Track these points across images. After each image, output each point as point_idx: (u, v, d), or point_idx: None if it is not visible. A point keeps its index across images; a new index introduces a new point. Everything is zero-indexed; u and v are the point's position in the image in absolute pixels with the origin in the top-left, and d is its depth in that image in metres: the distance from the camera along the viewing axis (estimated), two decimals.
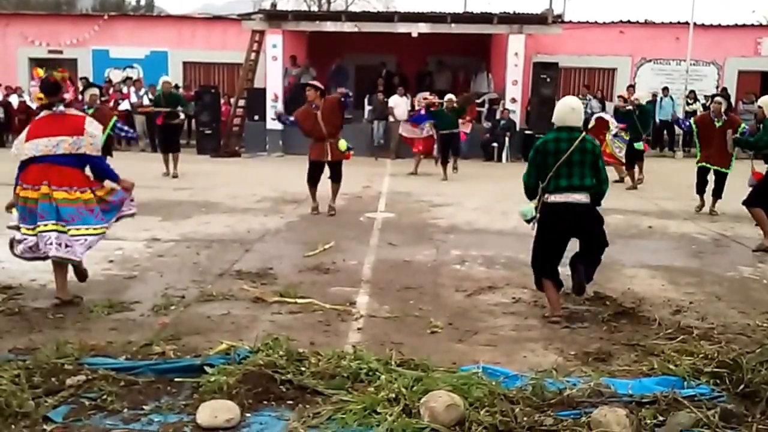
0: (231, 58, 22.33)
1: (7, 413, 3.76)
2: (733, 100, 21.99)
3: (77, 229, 5.83)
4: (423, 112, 16.22)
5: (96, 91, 11.73)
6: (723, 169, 10.94)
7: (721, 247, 9.05)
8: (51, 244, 5.71)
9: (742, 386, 4.22)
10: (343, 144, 10.52)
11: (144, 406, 3.97)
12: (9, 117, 21.27)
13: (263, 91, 20.54)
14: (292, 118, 10.86)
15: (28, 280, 6.69)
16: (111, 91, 21.29)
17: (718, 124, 10.87)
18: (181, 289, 6.51)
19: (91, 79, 22.22)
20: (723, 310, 6.23)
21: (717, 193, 11.14)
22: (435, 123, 15.77)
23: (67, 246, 5.78)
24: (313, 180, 10.72)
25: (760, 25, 23.41)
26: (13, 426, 3.70)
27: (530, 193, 5.98)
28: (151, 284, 6.68)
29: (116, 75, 22.62)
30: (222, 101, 21.40)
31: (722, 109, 10.92)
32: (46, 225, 5.73)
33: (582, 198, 5.82)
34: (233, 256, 7.91)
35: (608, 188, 6.06)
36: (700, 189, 11.40)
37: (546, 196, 5.86)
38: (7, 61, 23.13)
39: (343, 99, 10.50)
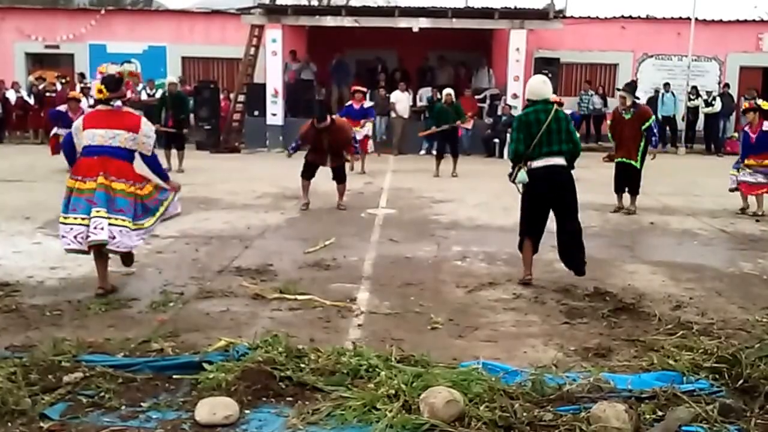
0: (230, 53, 22.27)
1: (3, 411, 3.74)
2: (735, 96, 22.03)
3: (123, 221, 5.99)
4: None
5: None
6: (633, 162, 10.71)
7: (721, 243, 9.02)
8: (102, 229, 5.87)
9: (741, 381, 4.21)
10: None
11: (142, 404, 3.96)
12: (6, 113, 21.21)
13: (263, 86, 20.49)
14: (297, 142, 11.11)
15: (26, 277, 6.68)
16: None
17: (627, 117, 10.74)
18: (180, 286, 6.50)
19: (87, 75, 22.27)
20: (723, 306, 6.22)
21: (633, 190, 10.90)
22: (435, 118, 15.76)
23: (113, 237, 5.94)
24: (306, 175, 10.82)
25: (762, 21, 23.40)
26: (9, 424, 3.68)
27: (519, 158, 6.68)
28: (150, 281, 6.67)
29: (114, 70, 22.56)
30: (221, 96, 21.38)
31: (627, 102, 10.69)
32: (98, 212, 5.89)
33: (560, 161, 6.61)
34: (233, 252, 7.89)
35: (581, 149, 6.85)
36: (619, 187, 10.99)
37: (529, 163, 6.62)
38: (4, 57, 23.06)
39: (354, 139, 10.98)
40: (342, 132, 10.75)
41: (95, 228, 5.87)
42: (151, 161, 6.37)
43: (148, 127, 6.25)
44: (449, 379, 4.04)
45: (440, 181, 14.32)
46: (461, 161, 15.83)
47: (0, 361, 4.34)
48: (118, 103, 6.26)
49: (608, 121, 11.47)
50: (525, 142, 6.60)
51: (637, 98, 11.27)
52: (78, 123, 6.25)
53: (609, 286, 6.67)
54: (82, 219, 5.93)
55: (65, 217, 6.03)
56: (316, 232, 9.02)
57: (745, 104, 9.55)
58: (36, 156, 14.99)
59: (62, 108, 15.01)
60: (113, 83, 6.33)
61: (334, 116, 11.06)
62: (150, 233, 6.47)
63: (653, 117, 11.02)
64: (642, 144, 10.65)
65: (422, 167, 16.02)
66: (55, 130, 14.82)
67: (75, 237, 5.97)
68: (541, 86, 6.78)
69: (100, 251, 6.07)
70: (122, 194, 6.00)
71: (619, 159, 10.90)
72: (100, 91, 6.27)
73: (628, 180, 10.83)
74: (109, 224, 5.91)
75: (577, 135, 6.82)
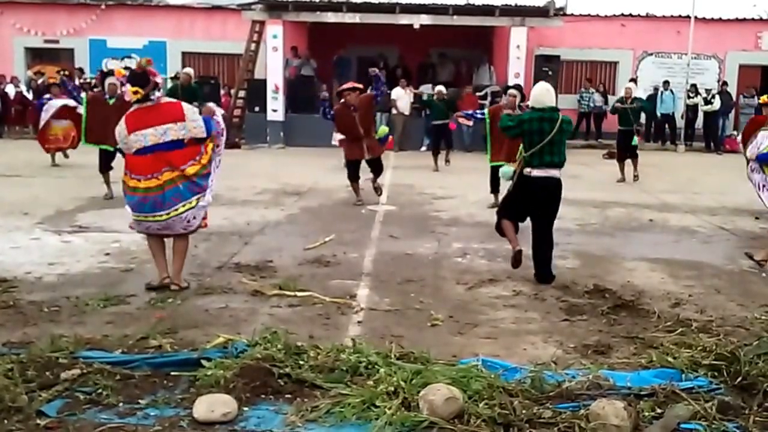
0: (231, 49, 22.19)
1: (0, 407, 3.73)
2: (734, 94, 22.01)
3: (183, 206, 6.14)
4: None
5: (115, 80, 11.35)
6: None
7: (720, 240, 9.01)
8: (188, 221, 6.21)
9: (739, 378, 4.21)
10: (383, 129, 10.74)
11: (140, 400, 3.94)
12: (6, 108, 21.15)
13: (264, 82, 20.47)
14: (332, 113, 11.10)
15: (23, 273, 6.67)
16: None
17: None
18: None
19: (87, 70, 22.20)
20: (722, 303, 6.21)
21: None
22: (427, 113, 16.10)
23: (188, 222, 6.24)
24: (353, 177, 11.01)
25: (761, 19, 23.31)
26: (6, 420, 3.66)
27: (505, 128, 7.06)
28: (148, 277, 6.62)
29: (114, 65, 22.50)
30: (222, 92, 21.35)
31: (517, 102, 10.53)
32: (176, 210, 6.11)
33: (557, 173, 6.73)
34: (232, 248, 7.88)
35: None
36: (495, 188, 10.83)
37: (529, 170, 6.70)
38: (3, 51, 22.98)
39: (375, 94, 10.89)
40: (366, 102, 10.85)
41: (185, 221, 6.20)
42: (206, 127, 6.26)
43: (191, 112, 6.20)
44: (449, 376, 4.03)
45: (441, 178, 14.31)
46: (462, 158, 15.94)
47: None
48: (157, 94, 6.26)
49: (486, 118, 11.22)
50: (515, 136, 7.02)
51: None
52: (121, 127, 6.19)
53: (608, 283, 6.66)
54: (153, 216, 6.11)
55: (137, 216, 6.20)
56: (316, 228, 9.01)
57: (764, 98, 9.49)
58: (35, 151, 14.94)
59: (46, 97, 14.93)
60: (143, 79, 6.21)
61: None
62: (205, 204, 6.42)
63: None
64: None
65: (423, 164, 16.01)
66: (42, 118, 14.57)
67: (147, 228, 6.25)
68: (545, 94, 6.79)
69: (162, 239, 6.34)
70: (195, 176, 6.17)
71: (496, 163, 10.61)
72: (136, 92, 6.15)
73: None
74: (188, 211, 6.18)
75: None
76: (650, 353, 4.74)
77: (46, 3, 22.85)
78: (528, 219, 6.95)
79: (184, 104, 6.31)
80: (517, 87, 11.23)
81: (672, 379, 4.16)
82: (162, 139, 6.05)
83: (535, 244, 6.86)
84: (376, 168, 11.08)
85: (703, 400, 3.88)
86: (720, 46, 22.59)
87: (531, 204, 6.81)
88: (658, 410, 3.82)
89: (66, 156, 14.67)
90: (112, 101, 10.38)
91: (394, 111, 20.05)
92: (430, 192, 12.35)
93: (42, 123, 14.36)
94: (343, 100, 10.81)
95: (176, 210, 6.11)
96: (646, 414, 3.78)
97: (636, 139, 14.06)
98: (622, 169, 14.03)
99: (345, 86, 11.27)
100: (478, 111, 12.05)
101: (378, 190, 11.07)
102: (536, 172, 6.67)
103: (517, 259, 6.81)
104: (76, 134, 14.17)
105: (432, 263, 7.51)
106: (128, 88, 6.15)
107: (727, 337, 5.04)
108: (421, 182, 13.50)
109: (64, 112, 13.86)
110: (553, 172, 6.70)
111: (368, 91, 11.16)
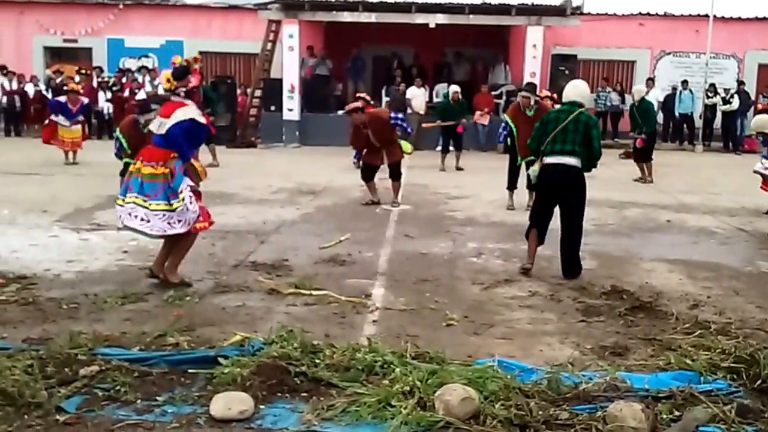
0: (247, 48, 22.26)
1: (20, 403, 3.76)
2: (753, 94, 21.83)
3: (157, 204, 6.08)
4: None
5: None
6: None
7: (739, 241, 8.95)
8: (134, 216, 6.15)
9: (759, 381, 4.17)
10: (407, 146, 10.69)
11: (157, 397, 3.96)
12: (25, 106, 21.34)
13: (279, 81, 20.53)
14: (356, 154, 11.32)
15: (43, 270, 6.72)
16: (124, 80, 21.33)
17: (529, 113, 10.55)
18: (196, 280, 6.51)
19: (105, 69, 22.36)
20: (741, 305, 6.16)
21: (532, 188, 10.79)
22: (440, 113, 16.11)
23: (142, 219, 6.11)
24: (365, 176, 10.98)
25: None
26: (26, 416, 3.70)
27: (532, 152, 7.24)
28: None
29: (131, 64, 22.66)
30: (238, 92, 21.41)
31: (531, 102, 10.59)
32: (130, 197, 6.14)
33: (570, 160, 6.77)
34: (248, 247, 7.91)
35: (598, 155, 6.93)
36: (513, 185, 10.86)
37: (543, 158, 6.94)
38: (23, 50, 23.16)
39: (392, 120, 10.75)
40: (378, 119, 10.75)
41: (129, 214, 6.18)
42: (174, 140, 6.17)
43: (182, 113, 6.13)
44: (464, 377, 4.02)
45: (456, 177, 14.30)
46: (477, 157, 15.90)
47: (17, 353, 4.37)
48: (181, 94, 6.35)
49: (509, 120, 11.02)
50: (540, 139, 6.97)
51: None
52: (158, 112, 6.49)
53: (626, 284, 6.62)
54: (132, 197, 6.15)
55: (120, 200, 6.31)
56: (331, 227, 9.03)
57: None
58: (53, 150, 15.06)
59: (62, 99, 15.13)
60: (179, 72, 6.49)
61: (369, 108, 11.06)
62: (185, 212, 6.13)
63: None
64: None
65: (438, 163, 15.98)
66: (51, 117, 14.87)
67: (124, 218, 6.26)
68: (570, 90, 7.09)
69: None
70: (150, 178, 6.09)
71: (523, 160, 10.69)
72: (168, 81, 6.41)
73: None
74: (139, 207, 6.11)
75: (599, 143, 6.91)
76: (668, 355, 4.71)
77: (66, 2, 23.00)
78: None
79: (186, 108, 6.24)
80: (529, 87, 11.19)
81: (690, 382, 4.13)
82: (158, 132, 6.21)
83: (561, 239, 6.98)
84: (394, 173, 10.93)
85: (721, 403, 3.85)
86: (739, 45, 22.39)
87: (548, 197, 6.94)
88: (676, 413, 3.80)
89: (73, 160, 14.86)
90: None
91: (409, 110, 20.04)
92: (444, 192, 12.34)
93: (49, 119, 14.71)
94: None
95: (151, 204, 6.08)
96: (664, 416, 3.76)
97: (637, 143, 13.97)
98: (641, 169, 13.98)
99: (348, 107, 11.12)
100: (502, 130, 11.91)
101: (395, 202, 10.79)
102: (549, 159, 6.87)
103: (523, 271, 6.99)
104: (81, 140, 14.81)
105: (447, 263, 7.50)
106: (165, 73, 6.47)
107: (746, 339, 4.99)
108: (436, 182, 13.49)
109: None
110: (565, 159, 6.77)
111: (382, 106, 11.13)
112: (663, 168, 14.49)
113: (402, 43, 22.03)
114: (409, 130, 10.73)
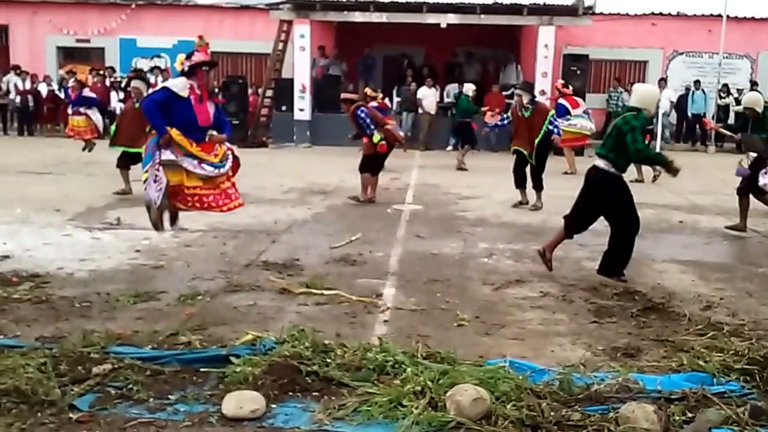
0: (259, 48, 22.31)
1: (33, 401, 3.78)
2: (766, 94, 21.69)
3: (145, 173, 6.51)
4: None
5: (140, 83, 11.31)
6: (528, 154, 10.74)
7: (752, 242, 8.90)
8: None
9: None
10: (376, 137, 10.66)
11: (169, 396, 3.98)
12: (38, 106, 21.45)
13: (291, 81, 20.55)
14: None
15: (56, 269, 6.75)
16: None
17: (526, 114, 10.73)
18: (208, 280, 6.53)
19: (118, 69, 22.44)
20: (754, 307, 6.13)
21: (537, 186, 10.82)
22: (460, 112, 16.27)
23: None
24: (362, 170, 11.12)
25: None
26: (39, 414, 3.72)
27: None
28: (178, 274, 6.71)
29: (143, 65, 22.73)
30: (249, 91, 21.45)
31: (524, 101, 10.69)
32: None
33: (600, 163, 6.70)
34: (260, 246, 7.92)
35: (636, 158, 6.89)
36: (519, 182, 10.99)
37: None
38: (36, 50, 23.29)
39: (356, 114, 10.80)
40: (351, 112, 10.88)
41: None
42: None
43: (160, 85, 6.64)
44: (476, 377, 4.01)
45: (467, 177, 14.27)
46: (488, 157, 15.95)
47: (30, 351, 4.39)
48: (186, 69, 6.59)
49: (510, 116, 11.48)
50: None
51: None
52: None
53: (638, 285, 6.60)
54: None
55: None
56: (342, 227, 9.03)
57: None
58: (66, 149, 15.14)
59: (86, 92, 15.04)
60: (188, 54, 6.74)
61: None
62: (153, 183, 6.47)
63: (553, 111, 11.43)
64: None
65: (448, 163, 15.99)
66: (74, 109, 14.72)
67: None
68: (632, 94, 7.08)
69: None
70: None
71: (515, 148, 11.07)
72: (182, 63, 6.68)
73: (531, 177, 10.93)
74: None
75: (634, 146, 6.52)
76: (681, 356, 4.68)
77: (78, 2, 23.10)
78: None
79: (169, 79, 6.66)
80: (524, 86, 11.26)
81: (703, 383, 4.11)
82: None
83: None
84: (362, 165, 11.11)
85: (734, 404, 3.83)
86: (752, 45, 22.29)
87: (581, 195, 6.90)
88: (689, 414, 3.78)
89: (89, 149, 14.66)
90: (137, 105, 10.37)
91: (420, 110, 20.06)
92: (455, 192, 12.33)
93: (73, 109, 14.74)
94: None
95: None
96: (677, 418, 3.74)
97: None
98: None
99: (343, 96, 11.63)
100: (504, 118, 11.97)
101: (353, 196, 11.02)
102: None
103: (538, 252, 7.08)
104: (83, 132, 14.56)
105: (458, 263, 7.50)
106: (180, 57, 6.72)
107: (759, 341, 4.95)
108: (447, 182, 13.48)
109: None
110: (596, 161, 6.79)
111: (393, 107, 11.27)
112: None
113: (413, 43, 22.03)
114: (368, 131, 10.71)
